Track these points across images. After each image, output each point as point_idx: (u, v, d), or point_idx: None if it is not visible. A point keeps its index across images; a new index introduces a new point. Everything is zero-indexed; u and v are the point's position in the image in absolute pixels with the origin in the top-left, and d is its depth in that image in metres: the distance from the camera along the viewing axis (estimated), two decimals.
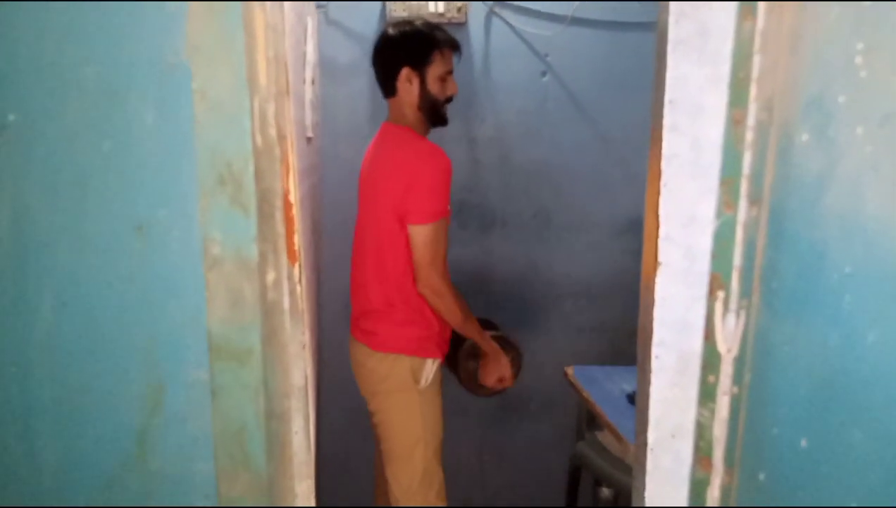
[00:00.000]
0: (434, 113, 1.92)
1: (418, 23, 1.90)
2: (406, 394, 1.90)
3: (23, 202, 0.88)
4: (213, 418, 0.89)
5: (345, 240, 2.45)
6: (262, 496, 0.90)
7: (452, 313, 1.89)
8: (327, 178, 2.41)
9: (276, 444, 0.93)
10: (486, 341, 2.01)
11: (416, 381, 1.90)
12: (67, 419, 0.93)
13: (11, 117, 0.86)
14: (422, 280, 1.83)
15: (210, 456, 0.92)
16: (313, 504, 1.11)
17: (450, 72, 1.91)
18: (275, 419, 0.92)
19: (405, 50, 1.86)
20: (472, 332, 1.96)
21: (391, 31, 1.88)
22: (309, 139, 1.90)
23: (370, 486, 2.56)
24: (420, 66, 1.86)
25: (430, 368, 1.92)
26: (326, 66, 2.37)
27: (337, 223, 2.44)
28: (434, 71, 1.87)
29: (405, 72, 1.85)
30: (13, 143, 0.86)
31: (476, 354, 2.06)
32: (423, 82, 1.87)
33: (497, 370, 2.05)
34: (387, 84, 1.90)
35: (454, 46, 1.91)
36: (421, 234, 1.79)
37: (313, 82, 2.04)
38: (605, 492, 2.28)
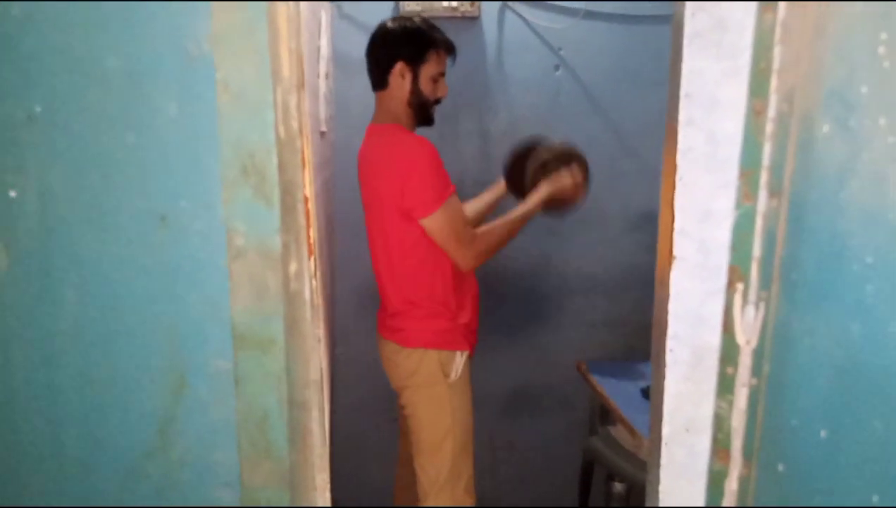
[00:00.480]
0: (422, 111, 1.93)
1: (417, 20, 1.91)
2: (435, 388, 1.91)
3: (48, 193, 0.89)
4: (237, 406, 0.90)
5: (357, 234, 2.45)
6: (283, 484, 0.91)
7: (507, 240, 1.92)
8: (340, 172, 2.42)
9: (298, 432, 0.94)
10: (538, 196, 1.98)
11: (446, 375, 1.91)
12: (91, 408, 0.94)
13: (38, 109, 0.87)
14: (461, 262, 1.85)
15: (232, 445, 0.93)
16: (329, 497, 1.12)
17: (442, 74, 1.93)
18: (296, 408, 0.93)
19: (402, 45, 1.87)
20: (529, 213, 1.96)
21: (390, 24, 1.89)
22: (322, 133, 1.91)
23: (383, 480, 2.58)
24: (415, 62, 1.87)
25: (459, 361, 1.93)
26: (340, 60, 2.38)
27: (349, 217, 2.45)
28: (428, 70, 1.88)
29: (399, 66, 1.86)
30: (39, 134, 0.87)
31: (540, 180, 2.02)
32: (415, 79, 1.88)
33: (567, 189, 2.01)
34: (379, 76, 1.90)
35: (450, 49, 1.93)
36: (435, 223, 1.79)
37: (327, 77, 2.05)
38: (618, 487, 2.29)
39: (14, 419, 0.94)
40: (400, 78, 1.87)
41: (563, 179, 1.99)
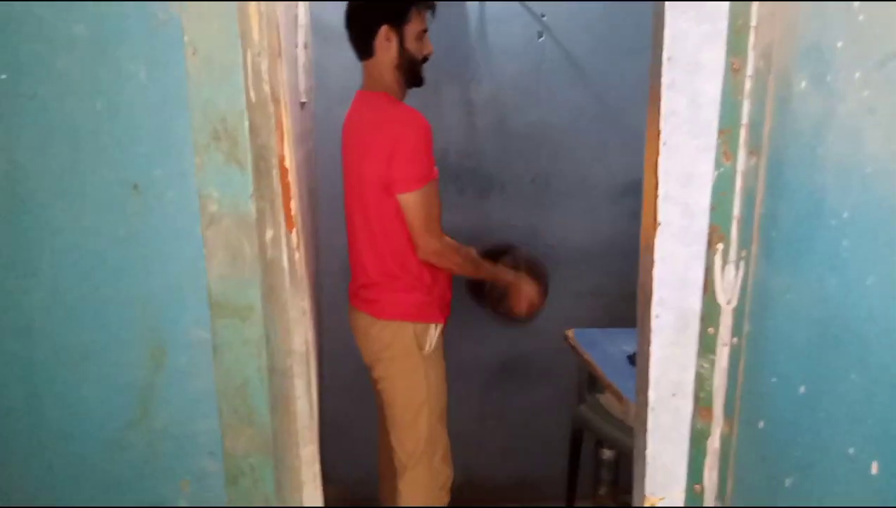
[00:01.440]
0: (412, 72, 1.89)
1: None
2: (410, 360, 1.91)
3: (16, 162, 0.87)
4: (216, 374, 0.89)
5: (341, 205, 2.44)
6: (266, 451, 0.91)
7: (461, 268, 1.92)
8: (322, 143, 2.39)
9: (280, 399, 0.94)
10: (504, 274, 2.05)
11: (420, 347, 1.90)
12: (71, 380, 0.94)
13: (3, 76, 0.85)
14: (421, 248, 1.83)
15: (214, 414, 0.93)
16: (318, 468, 1.12)
17: (425, 30, 1.88)
18: (277, 375, 0.92)
19: (383, 8, 1.83)
20: (486, 275, 2.01)
21: None
22: (303, 104, 1.89)
23: (373, 452, 2.59)
24: (398, 23, 1.83)
25: (433, 333, 1.92)
26: (319, 29, 2.34)
27: (332, 188, 2.42)
28: (412, 29, 1.84)
29: (384, 30, 1.81)
30: (6, 102, 0.86)
31: (500, 286, 2.09)
32: (401, 40, 1.83)
33: (525, 296, 2.08)
34: (364, 45, 1.85)
35: (429, 4, 1.88)
36: (411, 201, 1.78)
37: (306, 47, 2.02)
38: (607, 454, 2.31)
39: None
40: (386, 42, 1.83)
41: (522, 295, 2.09)
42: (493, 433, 2.79)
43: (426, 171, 1.77)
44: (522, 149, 2.54)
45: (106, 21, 0.84)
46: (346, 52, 2.37)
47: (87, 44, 0.85)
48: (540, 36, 2.47)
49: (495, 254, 2.16)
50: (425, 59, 1.91)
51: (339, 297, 2.55)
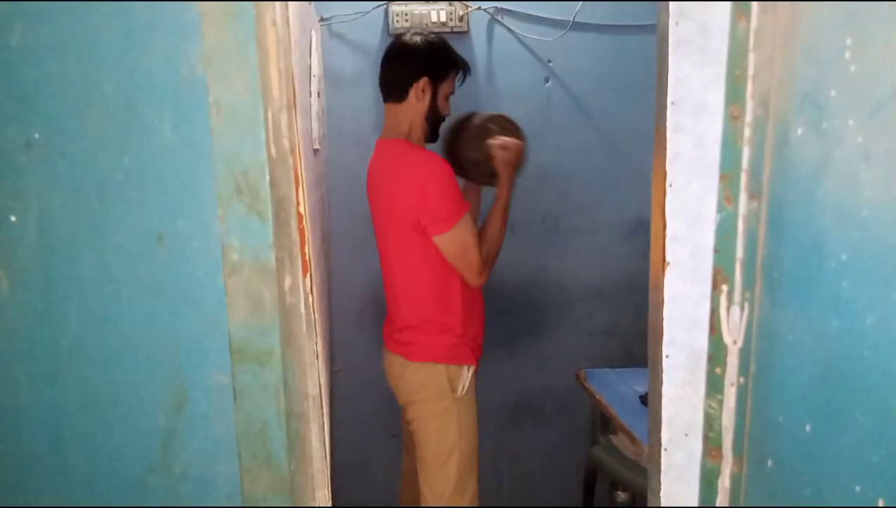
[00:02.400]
0: (435, 127, 1.96)
1: (438, 38, 1.94)
2: (443, 402, 1.92)
3: (48, 217, 0.91)
4: (237, 418, 0.92)
5: (353, 248, 2.49)
6: (284, 494, 0.93)
7: (501, 245, 1.95)
8: (334, 187, 2.45)
9: (297, 443, 0.96)
10: (506, 184, 1.97)
11: (454, 389, 1.92)
12: (94, 424, 0.97)
13: (36, 135, 0.89)
14: (473, 279, 1.87)
15: (233, 457, 0.96)
16: None
17: (453, 92, 1.97)
18: (294, 419, 0.95)
19: (429, 60, 1.89)
20: (507, 210, 1.96)
21: (416, 38, 1.91)
22: (316, 151, 1.94)
23: (385, 497, 2.59)
24: (437, 79, 1.90)
25: (466, 375, 1.94)
26: (331, 78, 2.41)
27: (345, 232, 2.48)
28: (445, 88, 1.93)
29: (423, 81, 1.88)
30: (38, 160, 0.90)
31: (475, 147, 1.99)
32: (434, 95, 1.91)
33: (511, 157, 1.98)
34: (399, 88, 1.90)
35: (466, 71, 1.98)
36: (448, 241, 1.81)
37: (319, 95, 2.08)
38: (622, 496, 2.29)
39: (19, 435, 0.96)
40: (421, 93, 1.89)
41: (506, 154, 1.95)
42: (508, 474, 2.79)
43: (456, 208, 1.81)
44: (532, 190, 2.58)
45: (134, 80, 0.89)
46: (358, 98, 2.45)
47: (115, 102, 0.89)
48: (547, 81, 2.53)
49: (458, 129, 2.06)
50: (444, 118, 1.98)
51: (353, 339, 2.59)
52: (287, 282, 0.93)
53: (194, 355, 0.94)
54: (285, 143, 0.92)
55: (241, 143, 0.86)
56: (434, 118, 1.93)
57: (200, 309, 0.93)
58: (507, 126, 2.02)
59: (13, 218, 0.91)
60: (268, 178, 0.86)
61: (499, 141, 1.95)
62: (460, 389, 1.92)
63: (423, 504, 1.98)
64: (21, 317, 0.93)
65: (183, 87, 0.89)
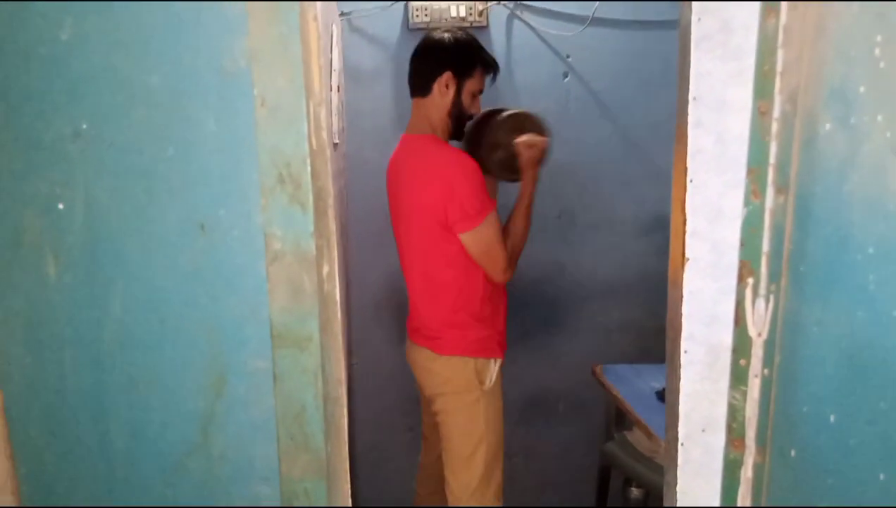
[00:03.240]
0: (458, 124, 1.96)
1: (468, 35, 1.95)
2: (470, 395, 1.94)
3: (94, 205, 0.94)
4: (276, 401, 0.95)
5: (370, 243, 2.51)
6: (320, 475, 0.96)
7: (525, 240, 1.97)
8: (352, 181, 2.47)
9: (333, 426, 0.99)
10: (529, 182, 1.98)
11: (481, 382, 1.94)
12: (137, 408, 1.00)
13: (84, 126, 0.92)
14: (497, 276, 1.89)
15: (270, 440, 0.98)
16: (349, 502, 1.16)
17: (481, 91, 1.97)
18: (330, 402, 0.97)
19: (454, 55, 1.90)
20: (531, 206, 1.99)
21: (444, 35, 1.92)
22: (336, 145, 1.97)
23: (401, 488, 2.61)
24: (462, 75, 1.91)
25: (493, 368, 1.96)
26: (350, 72, 2.43)
27: (362, 226, 2.50)
28: (471, 85, 1.93)
29: (447, 76, 1.89)
30: (86, 149, 0.93)
31: (499, 144, 1.99)
32: (458, 91, 1.92)
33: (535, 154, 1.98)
34: (423, 83, 1.92)
35: (494, 70, 1.98)
36: (474, 238, 1.83)
37: (339, 89, 2.11)
38: (636, 492, 2.29)
39: (65, 418, 0.99)
40: (444, 87, 1.90)
41: (531, 151, 1.96)
42: (521, 468, 2.80)
43: (482, 205, 1.82)
44: (549, 185, 2.58)
45: (179, 73, 0.92)
46: (377, 93, 2.46)
47: (161, 94, 0.92)
48: (565, 76, 2.54)
49: (482, 124, 2.05)
50: (471, 116, 1.99)
51: (369, 333, 2.61)
52: (325, 270, 0.96)
53: (234, 340, 0.97)
54: (324, 135, 0.95)
55: (285, 135, 0.89)
56: (458, 114, 1.94)
57: (240, 296, 0.96)
58: (533, 123, 2.03)
59: (61, 205, 0.94)
60: (309, 169, 0.89)
61: (525, 138, 1.96)
62: (488, 382, 1.94)
63: (448, 496, 2.00)
64: (67, 302, 0.96)
65: (227, 80, 0.91)
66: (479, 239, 1.83)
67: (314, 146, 0.90)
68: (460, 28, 2.07)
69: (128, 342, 0.97)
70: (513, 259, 1.93)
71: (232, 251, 0.95)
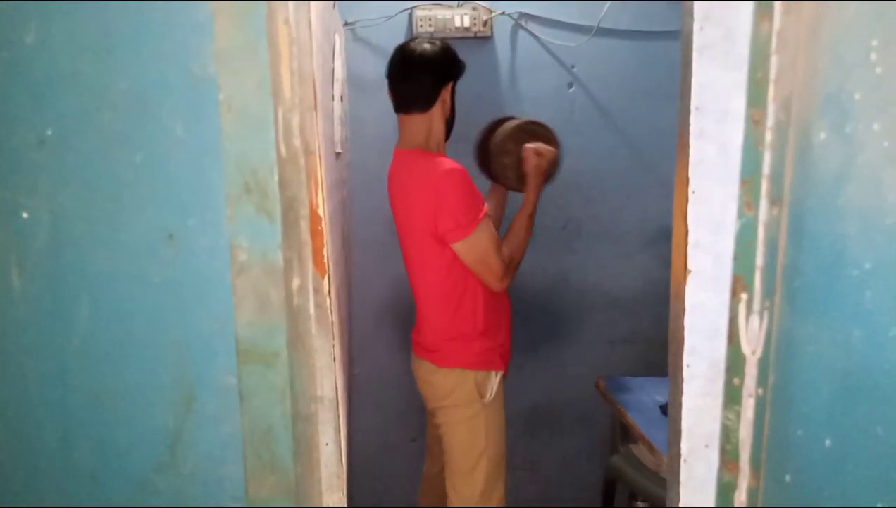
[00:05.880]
0: (452, 125, 1.98)
1: (442, 41, 1.95)
2: (471, 408, 1.91)
3: (60, 213, 0.92)
4: (242, 420, 0.91)
5: (375, 252, 2.49)
6: (288, 496, 0.92)
7: (524, 250, 1.95)
8: (356, 191, 2.45)
9: (304, 446, 0.95)
10: (533, 191, 1.97)
11: (482, 395, 1.91)
12: (103, 423, 0.96)
13: (49, 132, 0.90)
14: (493, 284, 1.86)
15: (239, 459, 0.95)
16: None
17: None
18: (301, 422, 0.94)
19: (449, 64, 1.90)
20: (533, 216, 1.97)
21: (425, 46, 1.89)
22: (338, 154, 1.94)
23: (403, 498, 2.58)
24: (455, 80, 1.93)
25: (494, 381, 1.93)
26: (354, 82, 2.42)
27: (366, 235, 2.48)
28: (454, 86, 1.94)
29: (450, 85, 1.90)
30: (50, 156, 0.90)
31: (508, 150, 2.01)
32: (453, 95, 1.93)
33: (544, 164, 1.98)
34: (425, 99, 1.88)
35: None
36: (466, 247, 1.80)
37: (342, 99, 2.09)
38: (641, 506, 2.27)
39: (27, 432, 0.96)
40: (447, 95, 1.90)
41: (539, 160, 1.96)
42: (525, 481, 2.76)
43: (473, 214, 1.79)
44: (554, 196, 2.56)
45: (146, 77, 0.89)
46: (381, 103, 2.43)
47: (128, 100, 0.89)
48: (570, 86, 2.51)
49: (492, 131, 2.08)
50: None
51: (373, 343, 2.58)
52: (295, 283, 0.92)
53: (203, 355, 0.94)
54: (296, 143, 0.92)
55: (251, 142, 0.86)
56: (453, 116, 1.96)
57: (210, 309, 0.93)
58: (544, 133, 2.02)
59: (25, 214, 0.91)
60: (276, 178, 0.86)
61: (534, 146, 1.95)
62: (488, 394, 1.91)
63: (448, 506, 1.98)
64: (31, 313, 0.94)
65: (195, 85, 0.88)
66: (472, 247, 1.80)
67: (283, 154, 0.87)
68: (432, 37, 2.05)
69: (93, 354, 0.94)
70: (511, 267, 1.89)
71: (200, 262, 0.92)
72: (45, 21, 0.88)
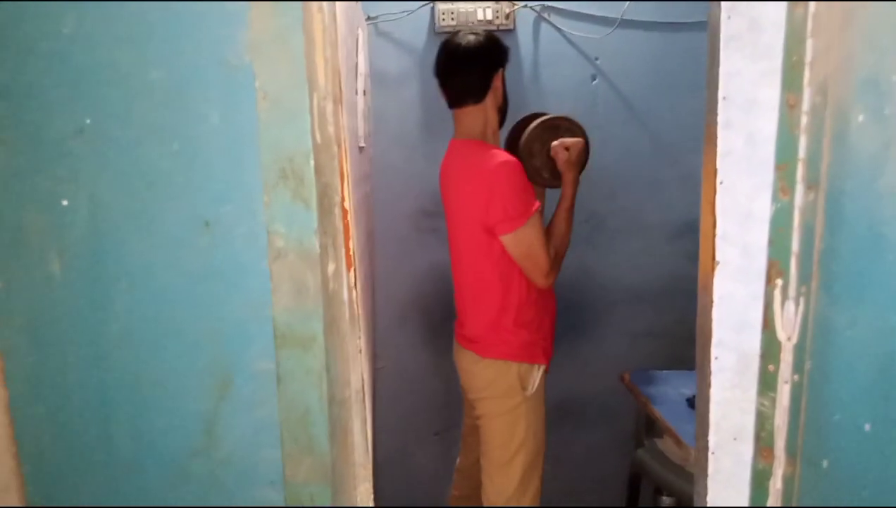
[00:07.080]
0: (506, 111, 1.99)
1: (485, 31, 1.96)
2: (512, 400, 1.92)
3: (98, 201, 0.93)
4: (279, 403, 0.92)
5: (397, 247, 2.49)
6: (325, 479, 0.93)
7: (567, 245, 1.96)
8: (378, 186, 2.45)
9: (339, 429, 0.96)
10: (570, 184, 1.97)
11: (524, 388, 1.92)
12: (140, 408, 0.98)
13: (88, 121, 0.91)
14: (538, 280, 1.87)
15: (275, 443, 0.96)
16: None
17: None
18: (336, 405, 0.95)
19: (497, 52, 1.92)
20: (573, 209, 1.97)
21: (470, 37, 1.90)
22: (361, 149, 1.95)
23: (427, 492, 2.58)
24: (503, 66, 1.94)
25: (537, 374, 1.94)
26: (377, 76, 2.42)
27: (389, 230, 2.48)
28: (504, 72, 1.95)
29: (501, 71, 1.91)
30: (89, 145, 0.92)
31: (535, 152, 2.02)
32: (503, 81, 1.94)
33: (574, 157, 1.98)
34: (478, 90, 1.90)
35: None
36: (515, 240, 1.81)
37: (365, 93, 2.09)
38: (666, 501, 2.25)
39: (67, 418, 0.98)
40: (499, 84, 1.92)
41: (568, 154, 1.96)
42: (549, 476, 2.74)
43: (524, 207, 1.80)
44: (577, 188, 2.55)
45: (182, 67, 0.90)
46: (403, 97, 2.45)
47: (164, 89, 0.90)
48: (594, 79, 2.50)
49: (518, 132, 2.09)
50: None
51: (396, 337, 2.59)
52: (331, 268, 0.93)
53: (239, 340, 0.95)
54: (330, 130, 0.92)
55: (287, 129, 0.86)
56: (506, 101, 1.97)
57: (245, 295, 0.94)
58: (567, 125, 2.02)
59: (65, 202, 0.92)
60: (312, 164, 0.86)
61: (560, 142, 1.96)
62: (530, 387, 1.92)
63: (484, 500, 1.98)
64: (71, 300, 0.95)
65: (230, 74, 0.89)
66: (521, 241, 1.81)
67: (318, 141, 0.88)
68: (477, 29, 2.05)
69: (131, 340, 0.96)
70: (556, 263, 1.90)
71: (237, 250, 0.93)
72: (82, 12, 0.89)
